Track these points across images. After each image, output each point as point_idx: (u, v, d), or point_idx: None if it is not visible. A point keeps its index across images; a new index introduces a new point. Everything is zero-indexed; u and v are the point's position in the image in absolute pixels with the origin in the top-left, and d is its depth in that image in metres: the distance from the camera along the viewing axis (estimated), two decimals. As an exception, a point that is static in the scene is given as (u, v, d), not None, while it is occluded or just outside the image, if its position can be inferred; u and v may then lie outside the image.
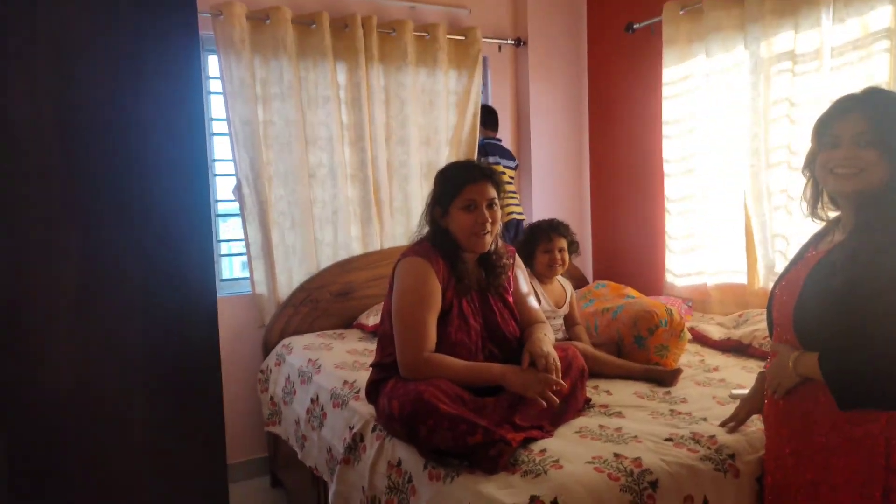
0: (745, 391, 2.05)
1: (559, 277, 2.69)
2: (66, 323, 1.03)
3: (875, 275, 1.34)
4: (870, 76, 2.48)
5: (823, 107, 2.69)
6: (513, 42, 3.81)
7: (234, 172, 3.11)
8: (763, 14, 2.82)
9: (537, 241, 2.61)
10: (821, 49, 2.64)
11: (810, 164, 1.52)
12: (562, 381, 1.81)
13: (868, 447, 1.36)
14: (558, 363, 1.85)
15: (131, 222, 1.10)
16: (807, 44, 2.67)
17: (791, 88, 2.73)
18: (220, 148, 3.23)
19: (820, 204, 1.55)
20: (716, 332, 2.80)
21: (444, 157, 3.53)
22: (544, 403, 1.76)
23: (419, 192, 3.47)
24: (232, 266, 3.52)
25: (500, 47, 3.80)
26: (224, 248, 3.41)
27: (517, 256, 2.19)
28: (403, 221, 3.48)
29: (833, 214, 1.56)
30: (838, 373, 1.37)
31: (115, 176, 1.08)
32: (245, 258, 3.22)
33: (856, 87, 2.51)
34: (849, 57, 2.55)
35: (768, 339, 2.56)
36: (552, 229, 2.63)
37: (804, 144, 2.68)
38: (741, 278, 3.08)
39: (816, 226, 1.61)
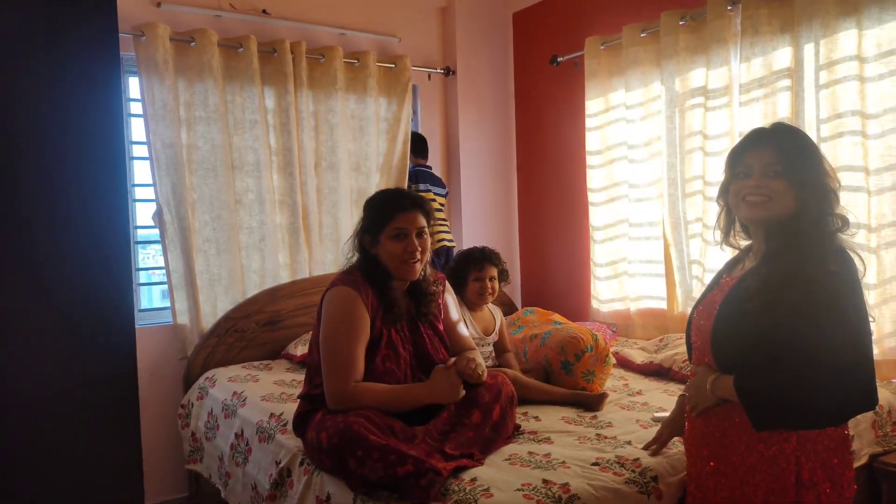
0: (667, 414, 2.12)
1: (489, 305, 2.72)
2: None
3: (785, 298, 1.41)
4: (774, 112, 2.66)
5: (734, 139, 2.86)
6: (442, 71, 3.87)
7: (154, 198, 3.00)
8: (677, 51, 2.98)
9: (469, 269, 2.63)
10: (730, 85, 2.81)
11: (724, 192, 1.60)
12: (478, 369, 1.91)
13: (781, 465, 1.43)
14: (479, 364, 1.91)
15: (43, 247, 1.04)
16: (717, 80, 2.84)
17: (704, 122, 2.89)
18: (141, 172, 3.12)
19: (732, 232, 1.63)
20: (638, 357, 2.89)
21: (375, 184, 3.53)
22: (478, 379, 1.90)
23: (349, 219, 3.44)
24: (151, 295, 3.38)
25: (429, 76, 3.86)
26: (143, 277, 3.28)
27: (447, 284, 2.20)
28: (333, 248, 3.44)
29: (744, 242, 1.65)
30: (753, 394, 1.43)
31: (27, 198, 1.03)
32: (165, 287, 3.10)
33: (762, 121, 2.70)
34: (755, 93, 2.72)
35: (688, 362, 2.66)
36: (484, 258, 2.66)
37: (718, 175, 2.83)
38: (661, 304, 3.20)
39: (731, 253, 1.70)
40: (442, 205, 3.67)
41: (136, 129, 3.09)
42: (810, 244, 1.45)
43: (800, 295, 1.40)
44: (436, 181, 3.67)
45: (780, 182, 1.48)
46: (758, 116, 2.70)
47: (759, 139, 1.54)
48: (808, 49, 2.57)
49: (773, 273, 1.46)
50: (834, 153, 2.47)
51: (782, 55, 2.65)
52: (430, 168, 3.71)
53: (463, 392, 1.88)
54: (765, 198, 1.48)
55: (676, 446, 1.85)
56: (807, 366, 1.38)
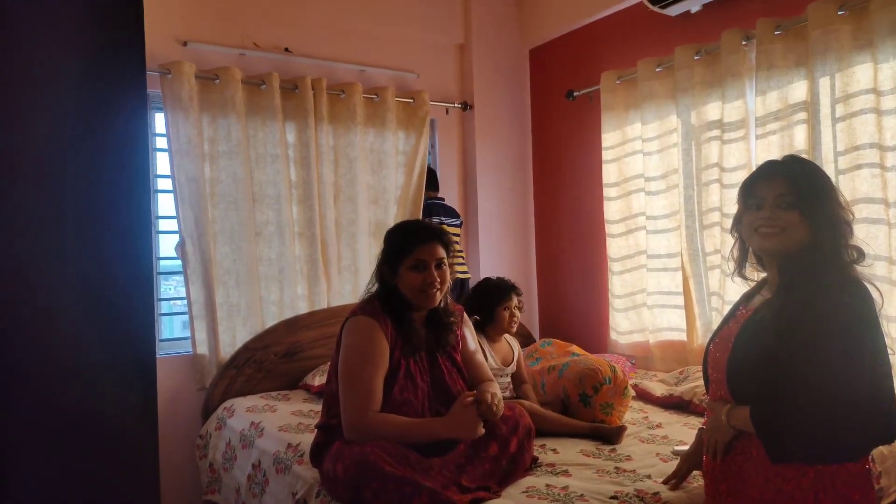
0: (687, 447, 2.09)
1: (507, 336, 2.73)
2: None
3: (799, 329, 1.40)
4: (790, 144, 2.66)
5: (750, 171, 2.86)
6: (459, 105, 3.93)
7: (177, 230, 3.06)
8: (692, 85, 3.01)
9: (499, 300, 2.67)
10: (746, 118, 2.82)
11: (737, 224, 1.61)
12: (496, 405, 1.88)
13: (798, 500, 1.40)
14: (497, 399, 1.89)
15: (69, 276, 1.07)
16: (733, 113, 2.85)
17: (720, 154, 2.90)
18: (164, 205, 3.19)
19: (746, 264, 1.63)
20: (658, 389, 2.85)
21: (392, 216, 3.57)
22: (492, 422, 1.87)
23: (367, 251, 3.47)
24: (172, 325, 3.42)
25: (447, 110, 3.92)
26: (164, 307, 3.32)
27: (465, 315, 2.21)
28: (351, 280, 3.47)
29: (760, 275, 1.64)
30: (769, 425, 1.42)
31: (53, 229, 1.06)
32: (186, 317, 3.14)
33: (779, 153, 2.70)
34: (771, 126, 2.73)
35: (706, 395, 2.63)
36: (510, 288, 2.73)
37: (735, 207, 2.83)
38: (681, 336, 3.17)
39: (742, 286, 1.69)
40: (456, 235, 3.70)
41: (161, 163, 3.17)
42: (824, 275, 1.44)
43: (814, 326, 1.39)
44: (449, 212, 3.70)
45: (792, 214, 1.48)
46: (775, 149, 2.71)
47: (770, 171, 1.55)
48: (824, 82, 2.58)
49: (787, 305, 1.45)
50: (853, 185, 2.46)
51: (798, 88, 2.66)
52: (442, 200, 3.74)
53: (482, 430, 1.86)
54: (777, 229, 1.48)
55: (696, 480, 1.82)
56: (821, 398, 1.36)
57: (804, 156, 2.61)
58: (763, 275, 1.63)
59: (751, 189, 1.56)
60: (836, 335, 1.37)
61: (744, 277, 1.65)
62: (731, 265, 1.64)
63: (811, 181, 1.50)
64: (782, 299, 1.47)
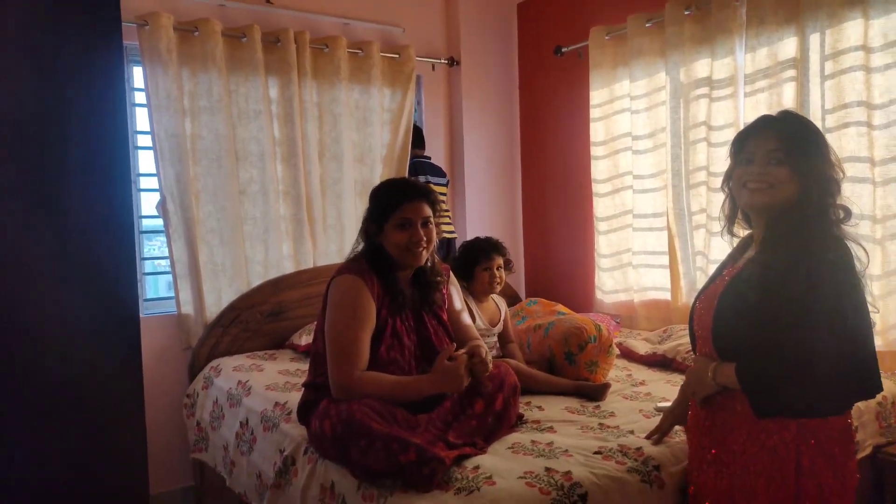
0: (670, 404, 2.13)
1: (493, 295, 2.73)
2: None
3: (785, 287, 1.41)
4: (779, 102, 2.64)
5: (738, 130, 2.84)
6: (446, 61, 3.86)
7: (158, 188, 3.01)
8: (682, 41, 2.97)
9: (477, 260, 2.64)
10: (735, 76, 2.79)
11: (728, 179, 1.60)
12: (486, 360, 1.88)
13: (781, 455, 1.43)
14: (483, 353, 1.90)
15: (47, 234, 1.04)
16: (722, 70, 2.82)
17: (708, 112, 2.88)
18: (145, 162, 3.12)
19: (736, 221, 1.63)
20: (642, 347, 2.89)
21: (378, 175, 3.53)
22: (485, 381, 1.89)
23: (353, 210, 3.44)
24: (157, 285, 3.39)
25: (433, 66, 3.84)
26: (149, 267, 3.29)
27: (451, 274, 2.20)
28: (336, 239, 3.44)
29: (745, 232, 1.64)
30: (754, 381, 1.44)
31: (30, 187, 1.03)
32: (170, 277, 3.11)
33: (767, 111, 2.68)
34: (760, 84, 2.71)
35: (691, 353, 2.66)
36: (491, 248, 2.67)
37: (722, 166, 2.82)
38: (665, 295, 3.20)
39: (727, 245, 1.70)
40: (443, 195, 3.67)
41: (140, 119, 3.09)
42: (810, 233, 1.45)
43: (798, 283, 1.40)
44: (435, 171, 3.67)
45: (782, 169, 1.47)
46: (763, 107, 2.69)
47: (763, 125, 1.53)
48: (814, 39, 2.55)
49: (772, 262, 1.46)
50: (839, 144, 2.46)
51: (787, 45, 2.63)
52: (428, 158, 3.70)
53: (468, 381, 1.87)
54: (766, 185, 1.48)
55: (679, 436, 1.86)
56: (806, 353, 1.38)
57: (783, 116, 2.60)
58: (749, 232, 1.63)
59: (742, 144, 1.55)
60: (820, 292, 1.38)
61: (732, 234, 1.65)
62: (722, 221, 1.64)
63: (803, 137, 1.49)
64: (768, 256, 1.48)
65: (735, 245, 1.68)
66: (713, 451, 1.54)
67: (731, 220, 1.63)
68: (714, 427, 1.54)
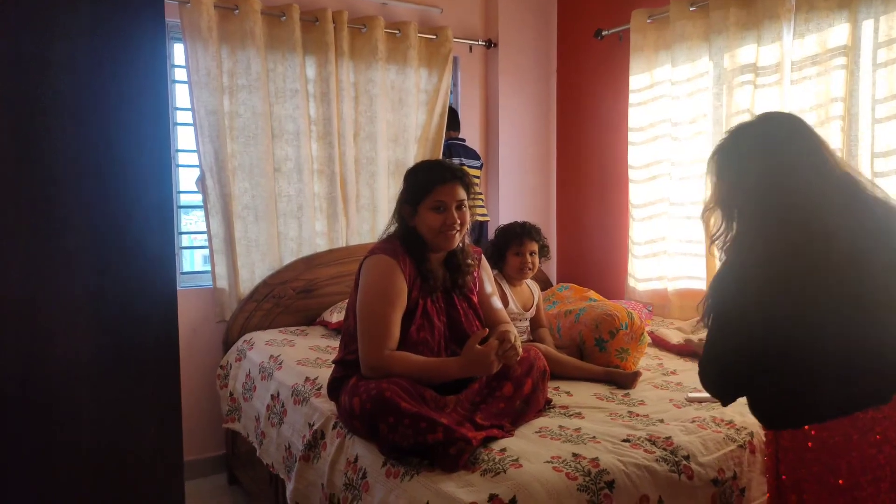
0: (702, 394, 2.10)
1: (528, 280, 2.71)
2: (15, 311, 1.00)
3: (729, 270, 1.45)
4: (827, 91, 2.56)
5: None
6: (483, 43, 3.83)
7: (197, 164, 3.06)
8: (727, 26, 2.89)
9: (509, 244, 2.62)
10: (781, 63, 2.71)
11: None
12: (517, 346, 1.86)
13: (772, 468, 1.45)
14: (514, 338, 1.87)
15: (88, 209, 1.07)
16: (768, 57, 2.74)
17: (753, 100, 2.80)
18: (184, 138, 3.17)
19: None
20: (674, 337, 2.85)
21: (412, 156, 3.53)
22: (513, 360, 1.86)
23: (386, 190, 3.45)
24: (193, 259, 3.46)
25: (470, 48, 3.81)
26: (185, 241, 3.35)
27: (483, 258, 2.20)
28: (369, 218, 3.46)
29: None
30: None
31: (73, 162, 1.05)
32: (207, 251, 3.17)
33: (814, 100, 2.60)
34: (807, 71, 2.63)
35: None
36: (525, 233, 2.64)
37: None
38: (700, 284, 3.15)
39: None
40: (476, 177, 3.65)
41: (181, 96, 3.13)
42: None
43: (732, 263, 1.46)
44: (470, 153, 3.65)
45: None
46: (810, 95, 2.61)
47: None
48: (867, 25, 2.46)
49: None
50: (891, 135, 2.37)
51: (839, 32, 2.54)
52: (463, 140, 3.69)
53: (498, 367, 1.85)
54: None
55: (710, 426, 1.84)
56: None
57: (840, 104, 2.52)
58: None
59: None
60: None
61: None
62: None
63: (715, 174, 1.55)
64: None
65: None
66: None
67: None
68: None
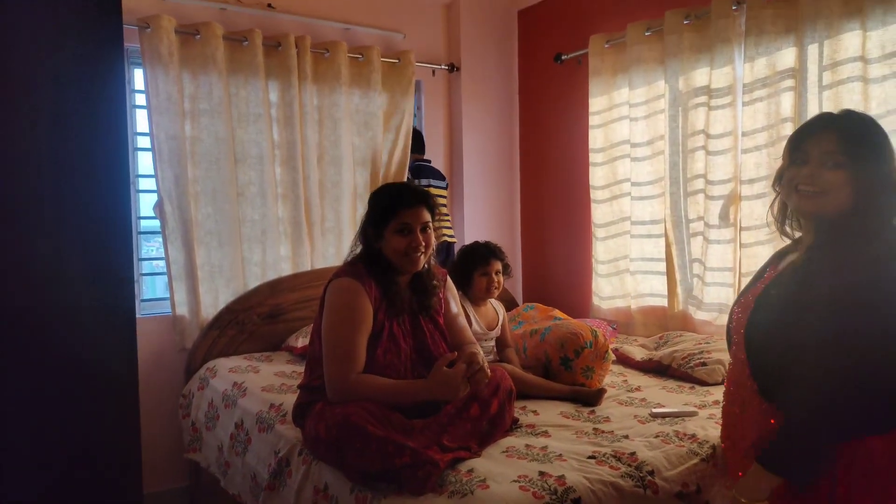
0: (665, 409, 2.14)
1: (491, 300, 2.73)
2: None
3: (824, 304, 1.30)
4: (777, 111, 2.66)
5: (737, 139, 2.85)
6: (446, 67, 3.88)
7: (155, 189, 3.01)
8: (681, 50, 2.98)
9: (475, 265, 2.64)
10: (733, 85, 2.81)
11: (779, 179, 1.49)
12: (485, 368, 1.83)
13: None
14: (481, 360, 1.86)
15: (44, 233, 1.05)
16: (721, 79, 2.84)
17: (707, 121, 2.89)
18: (145, 164, 3.13)
19: (788, 221, 1.53)
20: (638, 354, 2.89)
21: (378, 179, 3.54)
22: (480, 384, 1.84)
23: (351, 213, 3.45)
24: (155, 286, 3.39)
25: (433, 72, 3.86)
26: (147, 267, 3.29)
27: (448, 279, 2.21)
28: (335, 242, 3.45)
29: (798, 234, 1.54)
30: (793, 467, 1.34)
31: (28, 187, 1.04)
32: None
33: (765, 121, 2.70)
34: (758, 93, 2.72)
35: (688, 359, 2.67)
36: (489, 253, 2.67)
37: (719, 174, 2.84)
38: (662, 301, 3.21)
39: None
40: (443, 197, 3.68)
41: (141, 121, 3.10)
42: (858, 245, 1.34)
43: (841, 301, 1.28)
44: (436, 174, 3.68)
45: (838, 174, 1.35)
46: (761, 116, 2.70)
47: (821, 124, 1.40)
48: (812, 49, 2.57)
49: (811, 269, 1.36)
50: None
51: (786, 55, 2.65)
52: (428, 161, 3.71)
53: (466, 390, 1.84)
54: (818, 189, 1.37)
55: (674, 441, 1.86)
56: (851, 383, 1.26)
57: (790, 124, 2.61)
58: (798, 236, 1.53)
59: (798, 143, 1.42)
60: (866, 312, 1.27)
61: (784, 235, 1.54)
62: (772, 223, 1.54)
63: (865, 138, 1.36)
64: (808, 264, 1.38)
65: (777, 248, 1.60)
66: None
67: (781, 222, 1.52)
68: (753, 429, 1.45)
